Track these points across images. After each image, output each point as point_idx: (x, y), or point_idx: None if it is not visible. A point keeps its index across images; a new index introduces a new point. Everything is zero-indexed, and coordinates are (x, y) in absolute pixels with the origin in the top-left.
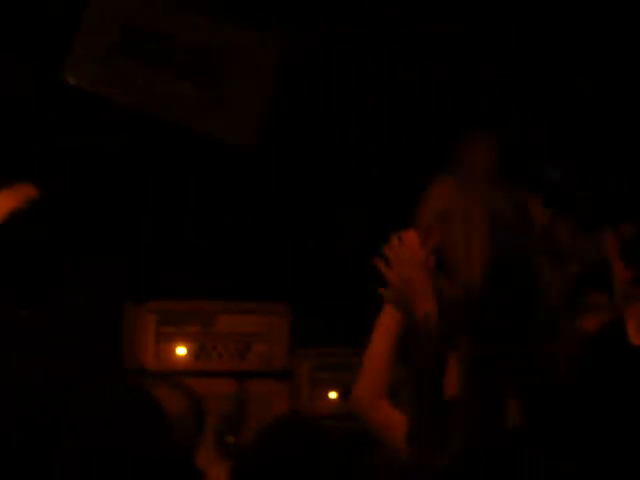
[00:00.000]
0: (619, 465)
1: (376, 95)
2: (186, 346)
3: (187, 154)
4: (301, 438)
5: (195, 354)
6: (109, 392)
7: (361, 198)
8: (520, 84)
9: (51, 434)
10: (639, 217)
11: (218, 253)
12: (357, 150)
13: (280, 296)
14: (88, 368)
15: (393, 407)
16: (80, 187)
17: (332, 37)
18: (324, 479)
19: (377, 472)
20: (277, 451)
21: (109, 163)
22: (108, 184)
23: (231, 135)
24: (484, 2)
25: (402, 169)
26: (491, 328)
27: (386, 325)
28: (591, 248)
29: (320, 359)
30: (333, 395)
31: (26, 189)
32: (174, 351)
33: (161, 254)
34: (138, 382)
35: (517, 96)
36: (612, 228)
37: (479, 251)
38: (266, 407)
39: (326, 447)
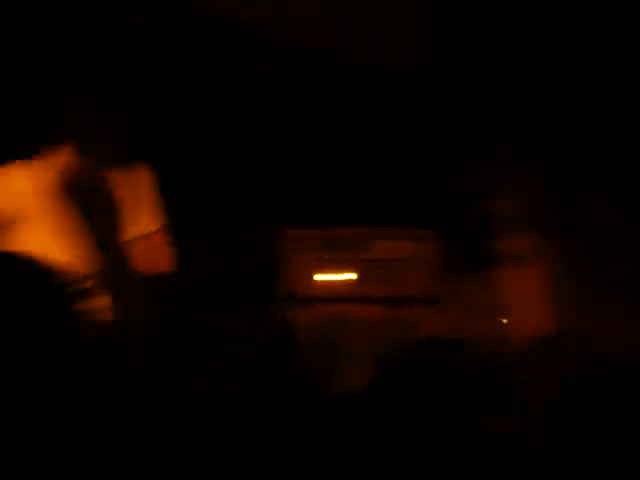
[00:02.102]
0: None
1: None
2: (342, 272)
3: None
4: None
5: (351, 280)
6: None
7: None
8: None
9: None
10: None
11: (368, 180)
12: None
13: (427, 223)
14: (246, 295)
15: None
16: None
17: None
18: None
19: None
20: (415, 369)
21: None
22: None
23: (392, 64)
24: None
25: None
26: None
27: None
28: None
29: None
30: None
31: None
32: (329, 277)
33: (309, 183)
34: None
35: None
36: None
37: None
38: (415, 332)
39: (462, 367)
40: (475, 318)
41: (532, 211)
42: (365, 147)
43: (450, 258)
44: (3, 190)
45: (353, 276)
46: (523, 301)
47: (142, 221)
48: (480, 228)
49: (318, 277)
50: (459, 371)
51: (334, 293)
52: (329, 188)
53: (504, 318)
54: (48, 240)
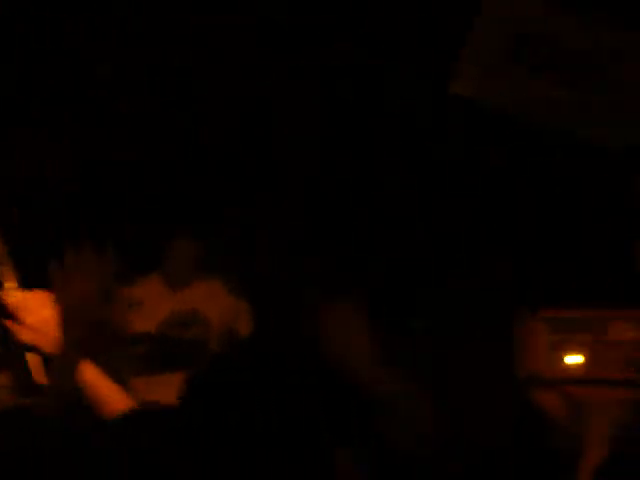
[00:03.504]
0: None
1: None
2: (578, 354)
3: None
4: None
5: (587, 362)
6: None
7: None
8: None
9: None
10: None
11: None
12: None
13: None
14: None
15: None
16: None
17: None
18: None
19: None
20: None
21: (490, 171)
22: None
23: (616, 138)
24: None
25: None
26: None
27: None
28: None
29: None
30: None
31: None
32: (565, 359)
33: (548, 262)
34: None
35: None
36: None
37: None
38: None
39: None
40: None
41: None
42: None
43: None
44: None
45: (586, 357)
46: None
47: None
48: None
49: (554, 358)
50: None
51: (569, 374)
52: (567, 269)
53: None
54: None
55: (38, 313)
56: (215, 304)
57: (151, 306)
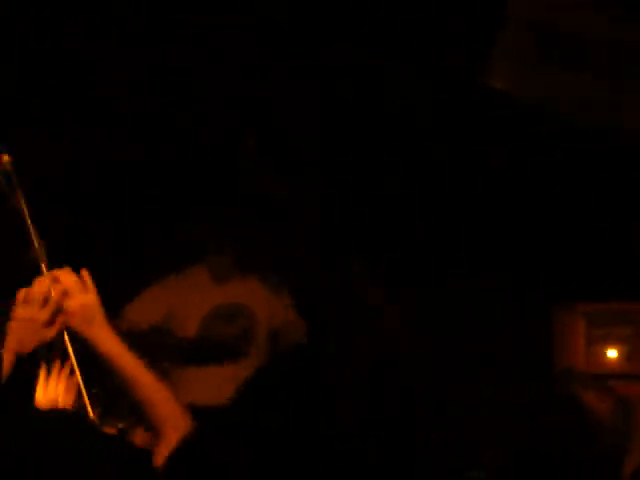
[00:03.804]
0: None
1: None
2: (617, 348)
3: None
4: None
5: (626, 356)
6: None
7: None
8: None
9: None
10: None
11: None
12: None
13: None
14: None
15: None
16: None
17: None
18: None
19: None
20: None
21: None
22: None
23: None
24: None
25: None
26: None
27: None
28: None
29: None
30: None
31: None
32: (605, 354)
33: (584, 257)
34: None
35: None
36: None
37: None
38: None
39: None
40: None
41: None
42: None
43: None
44: None
45: (627, 351)
46: None
47: None
48: None
49: (593, 353)
50: None
51: (609, 369)
52: (603, 262)
53: None
54: None
55: (80, 297)
56: (260, 299)
57: (195, 301)
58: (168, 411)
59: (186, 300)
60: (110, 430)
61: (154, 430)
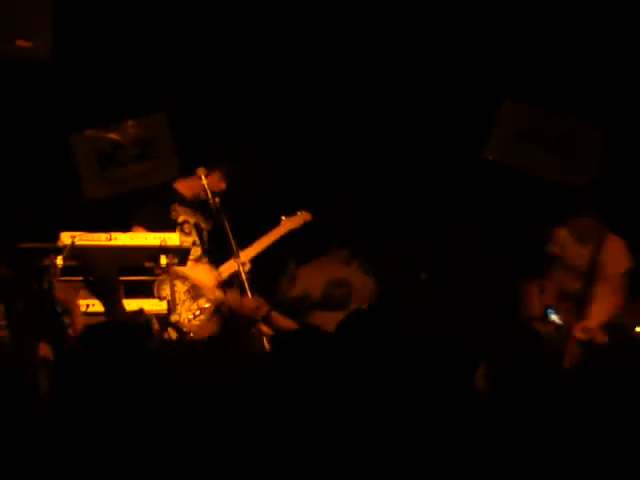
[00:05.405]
0: None
1: None
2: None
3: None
4: None
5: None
6: None
7: None
8: None
9: None
10: None
11: None
12: None
13: None
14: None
15: None
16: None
17: None
18: None
19: None
20: None
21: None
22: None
23: (577, 180)
24: None
25: None
26: None
27: None
28: None
29: None
30: None
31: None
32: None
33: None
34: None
35: None
36: None
37: None
38: None
39: None
40: None
41: None
42: None
43: None
44: None
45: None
46: None
47: None
48: None
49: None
50: None
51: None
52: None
53: None
54: None
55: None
56: (356, 277)
57: (314, 275)
58: None
59: (320, 274)
60: None
61: None
